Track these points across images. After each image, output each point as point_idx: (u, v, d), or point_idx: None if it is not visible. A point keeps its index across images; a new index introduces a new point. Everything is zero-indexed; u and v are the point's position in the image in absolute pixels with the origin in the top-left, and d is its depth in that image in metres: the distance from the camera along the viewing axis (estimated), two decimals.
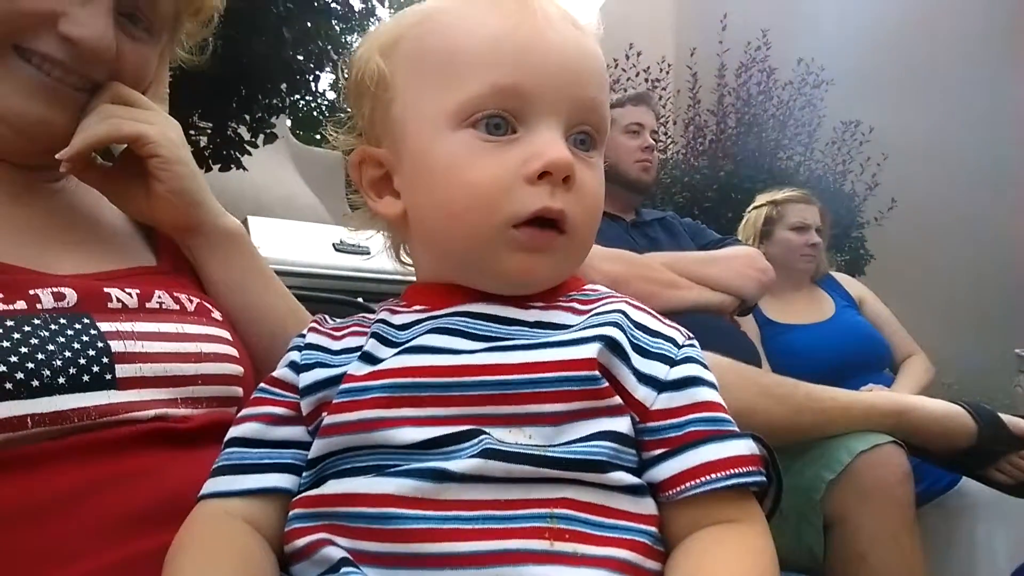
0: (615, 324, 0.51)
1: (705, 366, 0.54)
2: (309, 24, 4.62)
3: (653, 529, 0.48)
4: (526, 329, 0.53)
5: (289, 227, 3.74)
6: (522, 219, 0.51)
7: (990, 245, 5.35)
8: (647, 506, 0.48)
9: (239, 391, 0.66)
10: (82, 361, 0.56)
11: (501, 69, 0.51)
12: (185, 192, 0.72)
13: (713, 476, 0.48)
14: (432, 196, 0.54)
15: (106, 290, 0.63)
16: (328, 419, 0.50)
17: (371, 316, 0.59)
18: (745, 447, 0.49)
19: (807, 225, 2.20)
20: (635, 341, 0.52)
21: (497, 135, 0.51)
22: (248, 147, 4.97)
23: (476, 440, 0.46)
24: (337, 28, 5.91)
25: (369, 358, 0.53)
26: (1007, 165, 5.21)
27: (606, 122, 0.56)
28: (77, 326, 0.58)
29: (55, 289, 0.59)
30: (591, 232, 0.56)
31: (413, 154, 0.55)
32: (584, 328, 0.51)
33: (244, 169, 5.09)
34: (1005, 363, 4.57)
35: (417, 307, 0.56)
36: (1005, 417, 1.23)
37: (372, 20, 5.99)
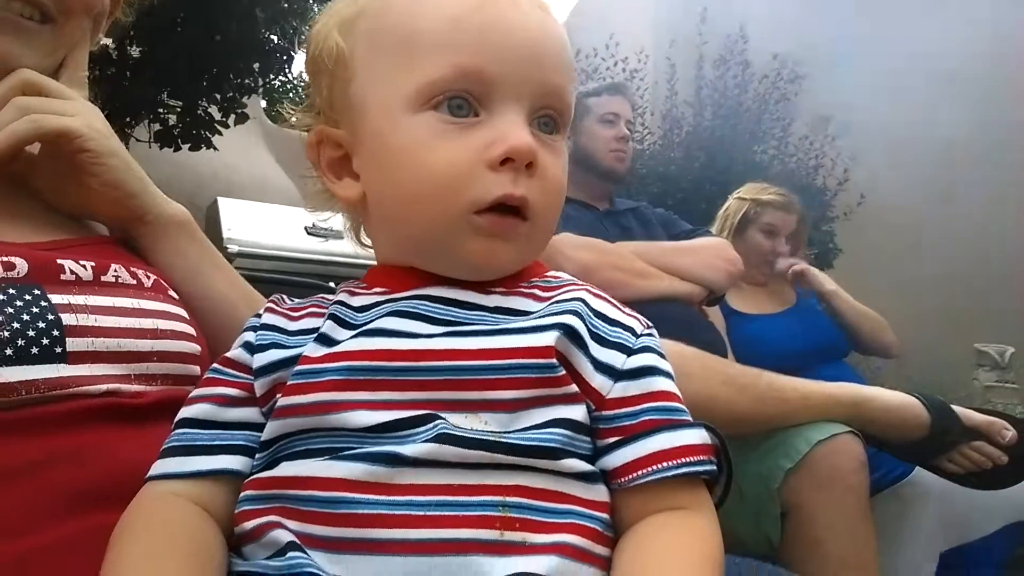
0: (575, 312, 0.51)
1: (662, 355, 0.54)
2: (285, 3, 4.53)
3: (604, 515, 0.48)
4: (486, 314, 0.52)
5: (261, 209, 3.69)
6: (484, 206, 0.50)
7: (957, 242, 5.48)
8: (599, 492, 0.48)
9: (196, 370, 0.65)
10: (31, 333, 0.54)
11: (463, 50, 0.50)
12: (122, 184, 0.68)
13: (665, 464, 0.48)
14: (392, 180, 0.53)
15: (59, 261, 0.61)
16: (282, 401, 0.49)
17: (329, 297, 0.58)
18: (697, 436, 0.50)
19: (778, 232, 2.20)
20: (594, 329, 0.52)
21: (460, 116, 0.50)
22: (219, 127, 4.87)
23: (431, 425, 0.46)
24: (315, 8, 5.80)
25: (326, 340, 0.52)
26: (975, 164, 5.33)
27: (570, 106, 0.55)
28: (27, 297, 0.56)
29: (5, 259, 0.57)
30: (553, 218, 0.55)
31: (372, 136, 0.53)
32: (544, 316, 0.51)
33: (215, 149, 5.00)
34: (966, 357, 4.69)
35: (378, 289, 0.55)
36: (958, 409, 1.27)
37: None
